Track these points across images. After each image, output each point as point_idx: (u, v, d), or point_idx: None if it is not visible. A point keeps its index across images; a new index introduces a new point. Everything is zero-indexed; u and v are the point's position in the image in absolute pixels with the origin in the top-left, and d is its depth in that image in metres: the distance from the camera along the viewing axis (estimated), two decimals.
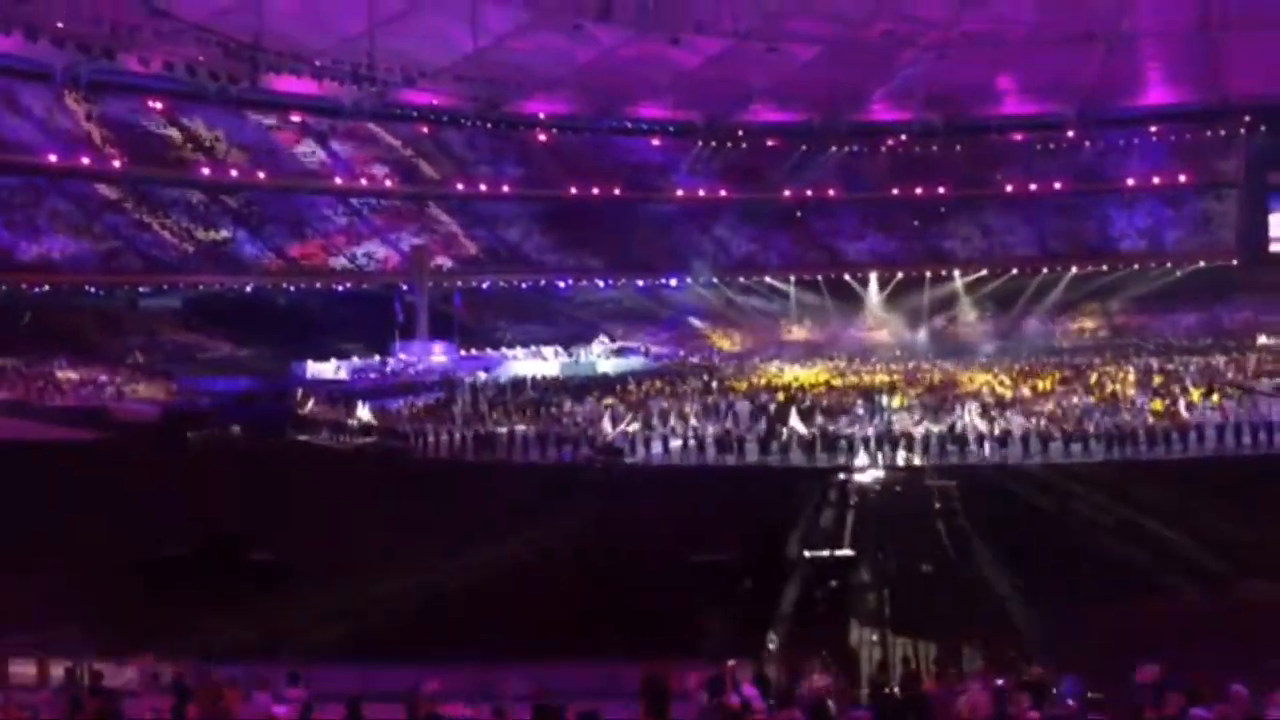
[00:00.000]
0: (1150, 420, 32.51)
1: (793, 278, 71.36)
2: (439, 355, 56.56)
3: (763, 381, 48.69)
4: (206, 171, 61.13)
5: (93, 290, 54.81)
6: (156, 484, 24.78)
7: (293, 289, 61.30)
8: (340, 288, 62.27)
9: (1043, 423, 32.36)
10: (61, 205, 55.60)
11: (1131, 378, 43.96)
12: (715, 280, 70.45)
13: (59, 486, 24.07)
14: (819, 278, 71.02)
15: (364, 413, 37.30)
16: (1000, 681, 11.32)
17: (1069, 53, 65.45)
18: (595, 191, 71.92)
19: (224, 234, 59.93)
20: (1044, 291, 68.58)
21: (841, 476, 26.92)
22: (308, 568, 19.89)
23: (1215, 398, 35.96)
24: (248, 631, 15.40)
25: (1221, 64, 66.18)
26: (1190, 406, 34.18)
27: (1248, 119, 68.55)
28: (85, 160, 56.74)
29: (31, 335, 50.36)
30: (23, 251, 51.72)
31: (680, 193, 73.46)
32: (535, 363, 56.98)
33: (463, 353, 57.87)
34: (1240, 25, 62.06)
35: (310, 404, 41.36)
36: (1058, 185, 72.67)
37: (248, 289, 59.26)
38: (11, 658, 13.02)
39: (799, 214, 74.14)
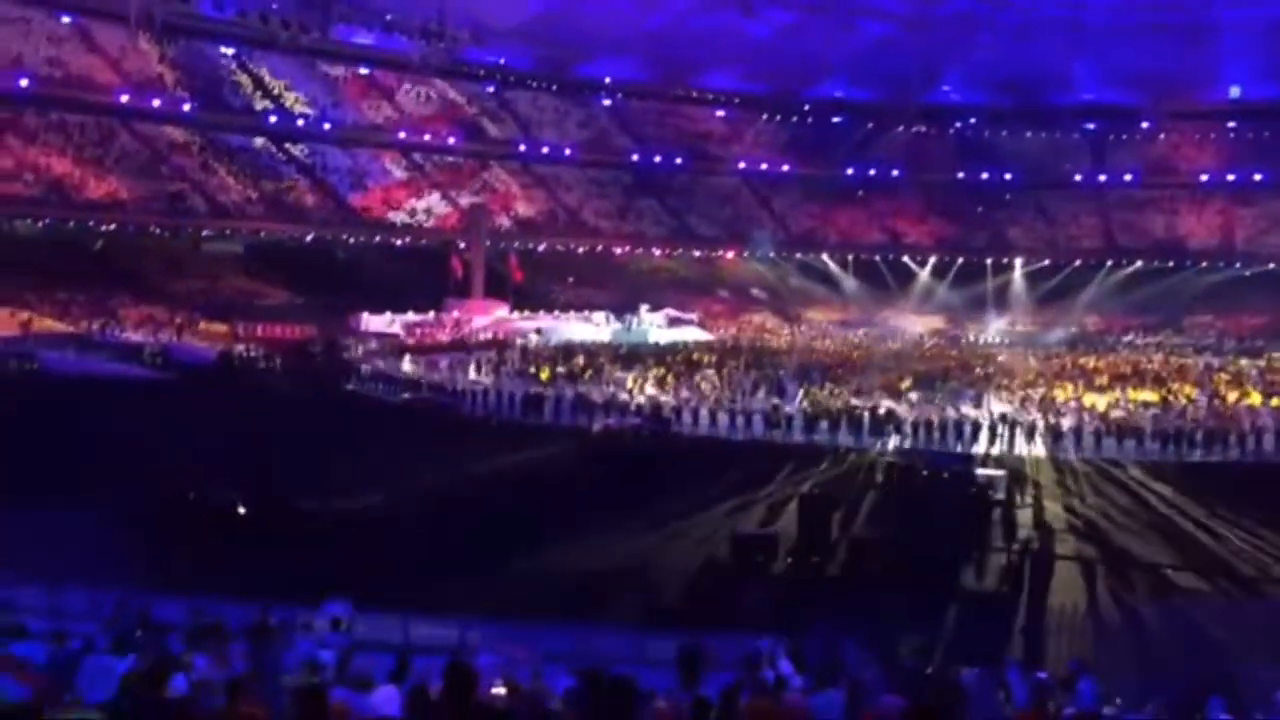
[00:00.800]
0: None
1: (850, 257, 70.72)
2: (493, 314, 56.76)
3: (812, 357, 48.34)
4: (274, 119, 61.62)
5: (157, 231, 55.56)
6: (212, 427, 25.15)
7: (351, 241, 61.73)
8: (398, 242, 62.61)
9: (1097, 421, 31.89)
10: (131, 145, 56.35)
11: (1191, 378, 43.18)
12: (773, 255, 70.00)
13: (114, 422, 24.49)
14: (875, 258, 70.36)
15: (414, 367, 37.59)
16: (1042, 675, 11.19)
17: (1148, 41, 63.88)
18: (657, 160, 71.65)
19: (287, 182, 60.45)
20: (1105, 285, 67.30)
21: (889, 459, 26.79)
22: (355, 518, 20.15)
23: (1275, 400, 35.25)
24: (294, 576, 15.60)
25: None
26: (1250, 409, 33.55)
27: None
28: (156, 102, 57.42)
29: (95, 272, 51.27)
30: (91, 189, 52.54)
31: (742, 165, 72.92)
32: (588, 327, 57.01)
33: (516, 314, 58.02)
34: None
35: (362, 355, 41.74)
36: (1127, 177, 71.25)
37: (308, 239, 59.77)
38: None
39: (860, 193, 73.40)
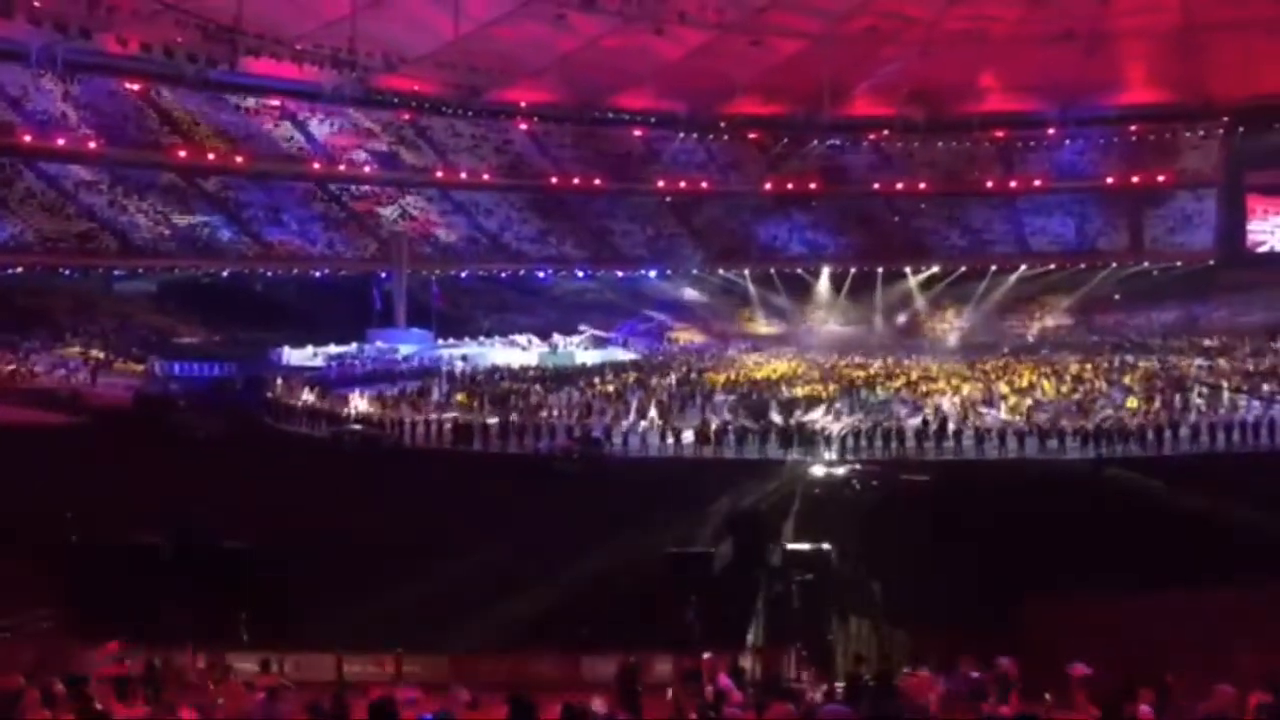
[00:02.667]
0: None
1: (772, 270, 71.46)
2: (416, 344, 56.27)
3: (740, 374, 48.70)
4: (183, 154, 60.56)
5: (67, 272, 54.21)
6: (130, 470, 24.54)
7: (270, 274, 60.82)
8: (318, 274, 61.82)
9: (1019, 419, 32.53)
10: (36, 185, 54.99)
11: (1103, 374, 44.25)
12: (695, 271, 70.50)
13: (30, 471, 23.78)
14: (798, 271, 71.24)
15: (338, 400, 37.09)
16: (975, 674, 11.32)
17: (1051, 51, 65.59)
18: (576, 181, 71.73)
19: (200, 218, 59.40)
20: (1012, 288, 69.10)
21: (817, 470, 27.01)
22: (282, 557, 19.74)
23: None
24: (220, 619, 15.25)
25: (1201, 64, 66.45)
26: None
27: (1226, 119, 68.98)
28: (60, 141, 56.12)
29: (3, 316, 49.85)
30: None
31: (661, 184, 73.32)
32: (513, 352, 56.77)
33: (440, 341, 57.59)
34: (1220, 26, 62.34)
35: (285, 391, 41.08)
36: (1037, 183, 73.02)
37: (224, 274, 58.74)
38: None
39: (778, 207, 74.31)
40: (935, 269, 70.21)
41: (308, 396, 39.56)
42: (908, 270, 70.38)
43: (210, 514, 21.29)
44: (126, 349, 50.34)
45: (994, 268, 69.60)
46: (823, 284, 70.98)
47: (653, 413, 35.05)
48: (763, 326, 70.99)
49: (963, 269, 69.62)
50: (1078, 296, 67.99)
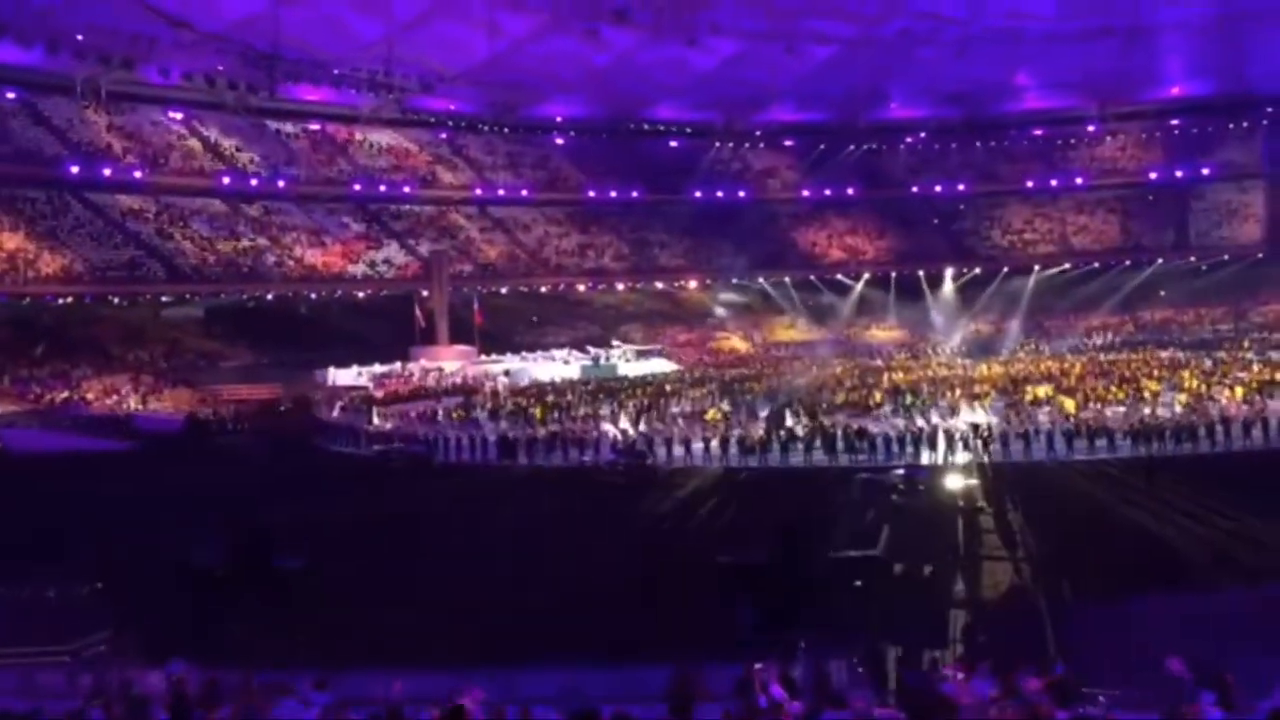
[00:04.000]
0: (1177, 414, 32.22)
1: (812, 276, 71.21)
2: (459, 360, 56.61)
3: (781, 381, 48.48)
4: (227, 180, 61.43)
5: (115, 300, 55.09)
6: (182, 491, 24.89)
7: (313, 297, 61.46)
8: (360, 295, 62.40)
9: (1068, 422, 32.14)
10: (84, 215, 55.96)
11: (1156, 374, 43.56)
12: (737, 279, 70.34)
13: (84, 495, 24.19)
14: (838, 276, 70.98)
15: (384, 419, 37.38)
16: (1032, 682, 11.19)
17: (1088, 46, 65.01)
18: (613, 194, 71.95)
19: (245, 243, 60.19)
20: (1065, 289, 68.07)
21: (866, 475, 26.81)
22: (334, 575, 19.91)
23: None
24: (277, 637, 15.41)
25: (1240, 55, 65.57)
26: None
27: (1269, 110, 67.97)
28: (106, 171, 57.12)
29: (53, 346, 50.70)
30: (45, 262, 52.05)
31: (699, 194, 73.34)
32: (556, 366, 56.94)
33: (483, 357, 57.90)
34: (1257, 15, 61.49)
35: (333, 411, 41.47)
36: (1079, 180, 72.29)
37: (269, 297, 59.45)
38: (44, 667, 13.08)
39: (817, 212, 74.10)
40: (978, 270, 69.63)
41: (350, 417, 39.90)
42: (949, 273, 69.79)
43: (263, 533, 21.53)
44: (175, 374, 51.03)
45: (1037, 268, 68.89)
46: (855, 288, 70.52)
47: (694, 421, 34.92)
48: (803, 333, 70.59)
49: (1036, 268, 68.87)
50: (1121, 295, 66.82)
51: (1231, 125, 70.00)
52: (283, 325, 58.37)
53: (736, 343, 69.59)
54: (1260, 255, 65.64)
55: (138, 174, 58.23)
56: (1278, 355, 49.62)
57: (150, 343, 55.30)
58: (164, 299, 57.24)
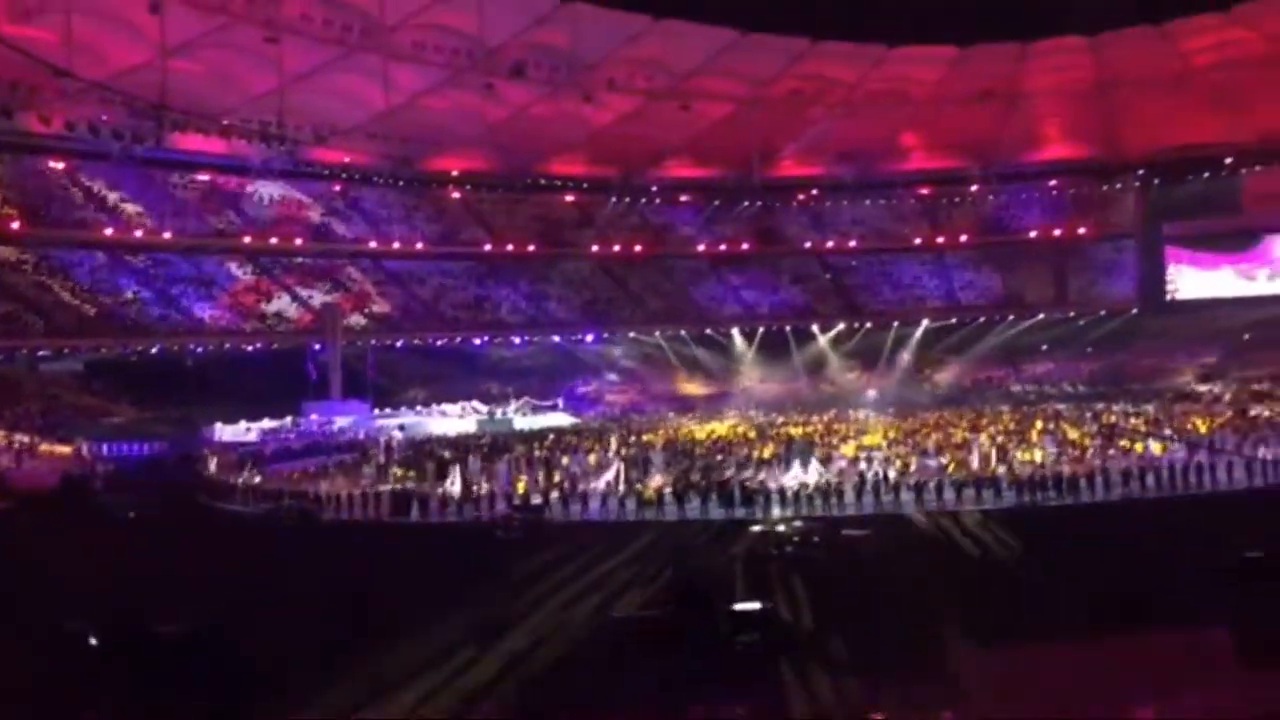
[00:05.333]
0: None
1: (707, 330, 72.02)
2: (352, 415, 55.63)
3: (678, 434, 48.81)
4: (109, 232, 59.74)
5: None
6: (55, 554, 23.84)
7: (200, 350, 59.89)
8: (250, 348, 61.02)
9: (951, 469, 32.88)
10: None
11: (1038, 426, 44.86)
12: (632, 334, 70.74)
13: None
14: (732, 331, 71.96)
15: (273, 476, 36.45)
16: None
17: (970, 110, 67.43)
18: (510, 248, 71.90)
19: (128, 295, 58.49)
20: (927, 342, 70.46)
21: (758, 528, 26.95)
22: (220, 641, 19.18)
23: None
24: (152, 709, 14.77)
25: (1115, 120, 68.71)
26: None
27: (1141, 172, 71.22)
28: None
29: None
30: None
31: (595, 248, 73.71)
32: (451, 421, 56.35)
33: (376, 412, 57.00)
34: (1131, 83, 64.56)
35: (218, 467, 40.31)
36: (964, 238, 74.69)
37: (153, 350, 57.74)
38: None
39: (712, 268, 75.07)
40: (858, 324, 71.49)
41: (237, 474, 38.81)
42: (815, 328, 71.35)
43: (142, 598, 20.70)
44: (53, 431, 49.12)
45: (925, 321, 70.95)
46: (738, 342, 71.67)
47: (611, 475, 34.77)
48: (697, 387, 71.34)
49: (924, 322, 71.33)
50: (996, 347, 69.63)
51: (1105, 187, 73.08)
52: (167, 380, 56.70)
53: (634, 396, 69.80)
54: (1134, 311, 68.69)
55: (15, 224, 56.26)
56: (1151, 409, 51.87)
57: (27, 399, 53.21)
58: (41, 353, 55.24)
